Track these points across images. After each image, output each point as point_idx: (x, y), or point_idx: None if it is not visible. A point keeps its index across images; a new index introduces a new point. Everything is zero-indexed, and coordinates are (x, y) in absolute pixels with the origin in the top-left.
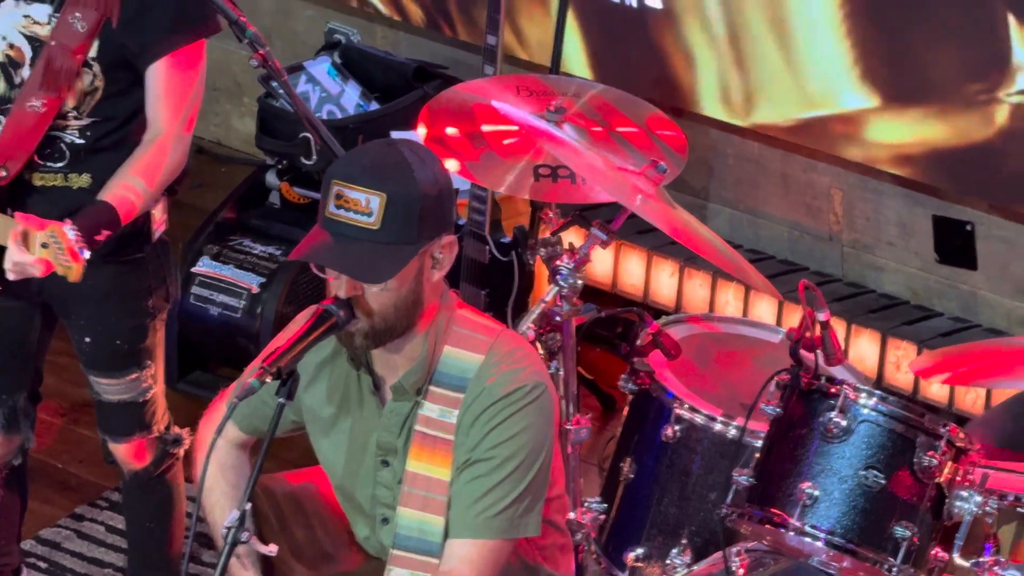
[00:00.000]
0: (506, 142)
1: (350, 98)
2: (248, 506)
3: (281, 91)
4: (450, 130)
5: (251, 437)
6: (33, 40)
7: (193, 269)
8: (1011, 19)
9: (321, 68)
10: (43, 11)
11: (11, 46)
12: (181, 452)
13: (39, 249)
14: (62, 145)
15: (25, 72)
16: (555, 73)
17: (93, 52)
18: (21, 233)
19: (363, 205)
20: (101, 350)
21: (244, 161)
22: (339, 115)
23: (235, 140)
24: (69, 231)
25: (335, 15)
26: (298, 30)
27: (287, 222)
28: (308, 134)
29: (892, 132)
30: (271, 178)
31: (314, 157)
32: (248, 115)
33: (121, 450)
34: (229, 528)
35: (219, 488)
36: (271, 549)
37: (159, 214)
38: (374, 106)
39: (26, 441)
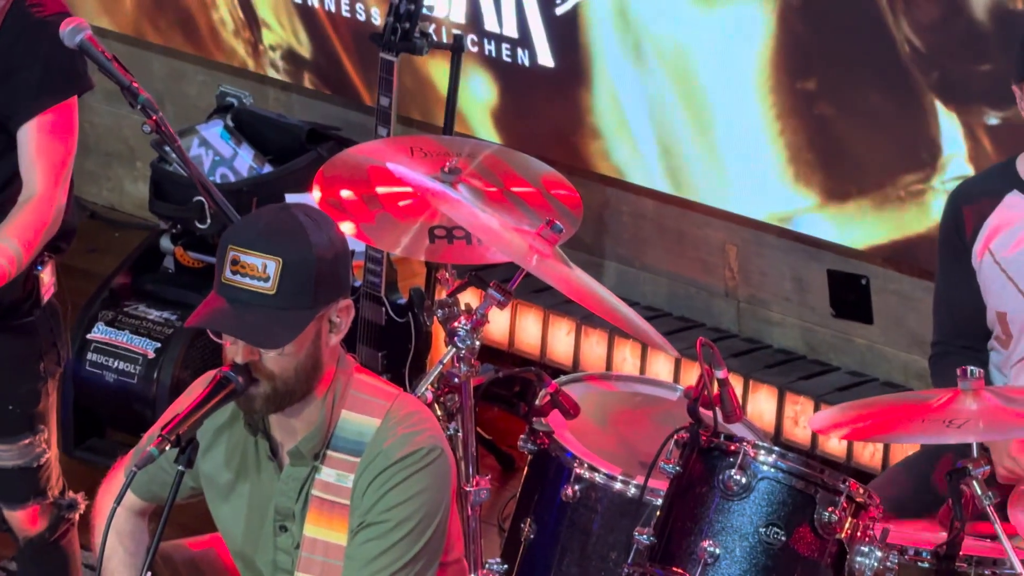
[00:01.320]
0: (401, 204)
1: (243, 161)
2: (148, 575)
3: (174, 156)
4: (345, 192)
5: (149, 504)
6: None
7: (88, 335)
8: (938, 105)
9: (214, 131)
10: None
11: None
12: (76, 517)
13: None
14: None
15: None
16: (449, 133)
17: None
18: None
19: (259, 270)
20: None
21: (138, 226)
22: (232, 178)
23: (128, 205)
24: None
25: (227, 78)
26: (190, 93)
27: (182, 286)
28: (202, 198)
29: (828, 230)
30: (165, 243)
31: (208, 221)
32: (141, 179)
33: (17, 517)
34: None
35: (117, 556)
36: None
37: (47, 277)
38: (267, 169)
39: None
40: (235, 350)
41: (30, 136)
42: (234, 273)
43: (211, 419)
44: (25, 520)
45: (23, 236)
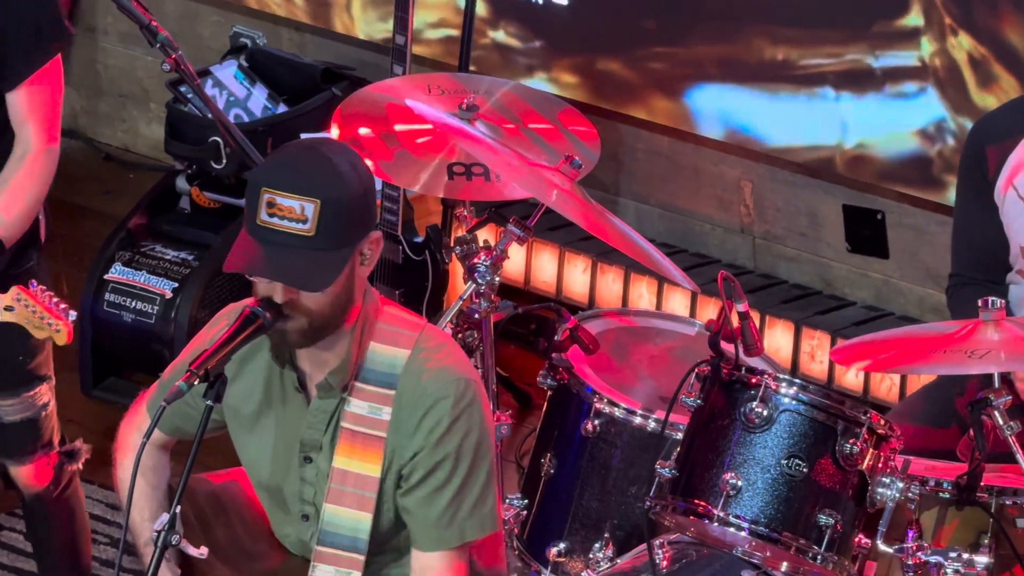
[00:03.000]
0: (419, 141)
1: (257, 101)
2: (178, 509)
3: (191, 95)
4: (363, 130)
5: (172, 438)
6: None
7: (105, 276)
8: None
9: (228, 72)
10: None
11: None
12: (77, 466)
13: (2, 312)
14: None
15: None
16: (465, 71)
17: None
18: None
19: (297, 212)
20: (3, 368)
21: (153, 167)
22: (246, 119)
23: (143, 146)
24: (38, 291)
25: (240, 19)
26: (204, 35)
27: (199, 226)
28: (218, 138)
29: None
30: (181, 183)
31: (224, 161)
32: (156, 121)
33: (23, 472)
34: (159, 531)
35: (139, 489)
36: (201, 552)
37: (43, 219)
38: (282, 108)
39: None
40: (271, 288)
41: (21, 96)
42: (271, 216)
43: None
44: (32, 475)
45: (13, 205)
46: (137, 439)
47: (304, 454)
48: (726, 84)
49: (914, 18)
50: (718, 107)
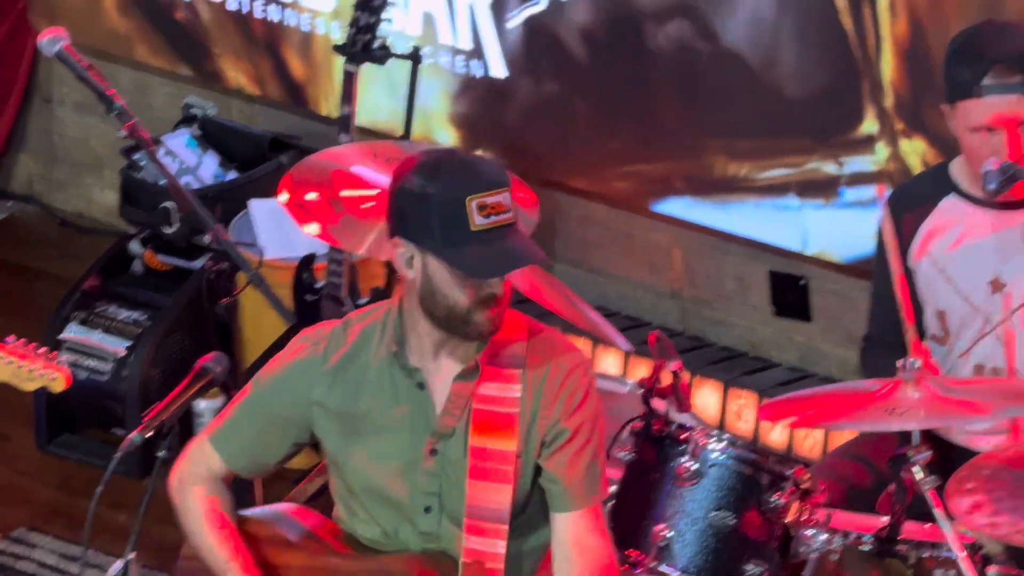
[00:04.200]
0: (364, 206)
1: (208, 168)
2: (132, 555)
3: (144, 162)
4: (310, 195)
5: (232, 472)
6: None
7: (60, 336)
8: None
9: (179, 140)
10: None
11: None
12: None
13: None
14: None
15: None
16: (407, 139)
17: None
18: None
19: (505, 204)
20: None
21: (106, 232)
22: (196, 185)
23: (97, 212)
24: (18, 345)
25: (192, 90)
26: (155, 105)
27: (151, 288)
28: (170, 203)
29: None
30: (134, 246)
31: (176, 224)
32: (109, 187)
33: None
34: None
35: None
36: None
37: None
38: (232, 175)
39: None
40: (495, 285)
41: None
42: (486, 217)
43: (354, 347)
44: None
45: None
46: (190, 470)
47: (432, 447)
48: (691, 197)
49: (869, 125)
50: (683, 215)
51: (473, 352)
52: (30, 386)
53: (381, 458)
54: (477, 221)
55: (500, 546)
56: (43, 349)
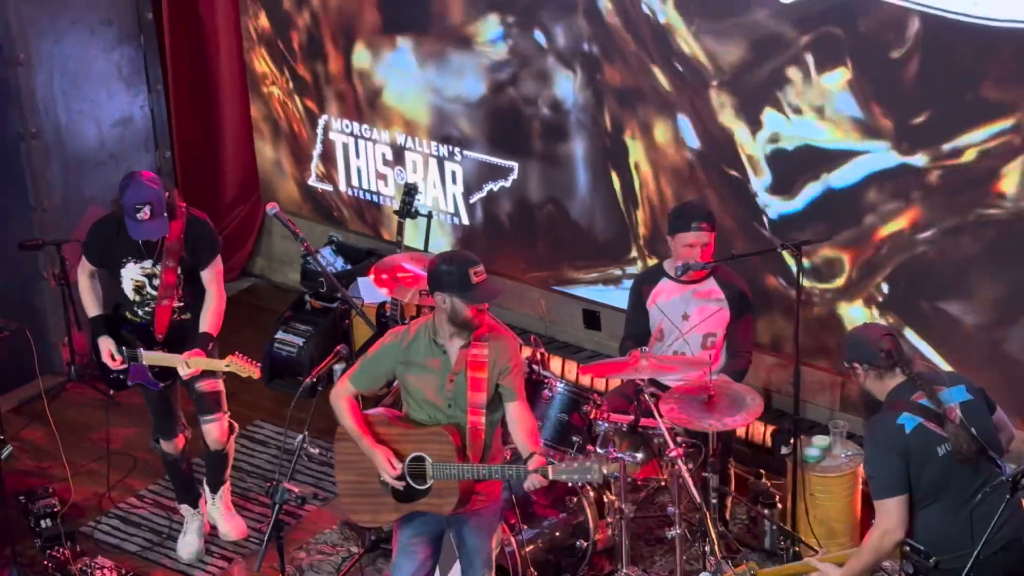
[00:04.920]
0: (407, 279)
1: (338, 263)
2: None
3: (312, 263)
4: (383, 275)
5: (364, 391)
6: (152, 276)
7: (275, 336)
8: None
9: (327, 251)
10: (149, 263)
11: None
12: (236, 428)
13: (224, 367)
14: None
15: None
16: (426, 251)
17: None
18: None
19: (483, 271)
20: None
21: (294, 291)
22: (332, 271)
23: (291, 282)
24: (238, 355)
25: (332, 228)
26: (316, 238)
27: (314, 315)
28: (323, 279)
29: None
30: (306, 297)
31: (325, 289)
32: (295, 271)
33: (211, 429)
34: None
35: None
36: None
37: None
38: (348, 267)
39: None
40: (481, 307)
41: (208, 273)
42: (477, 276)
43: (406, 340)
44: (216, 431)
45: (215, 320)
46: (339, 391)
47: (451, 378)
48: (554, 284)
49: (634, 251)
50: (550, 286)
51: (467, 336)
52: (244, 374)
53: (427, 384)
54: (473, 280)
55: (482, 419)
56: (246, 356)
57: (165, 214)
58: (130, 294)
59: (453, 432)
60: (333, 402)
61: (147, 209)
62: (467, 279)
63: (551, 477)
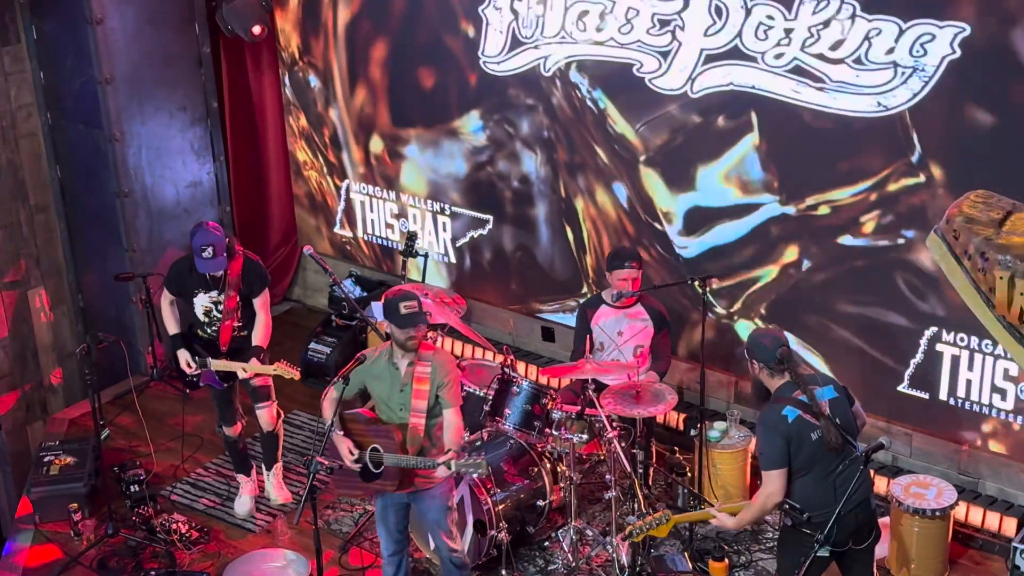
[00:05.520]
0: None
1: (357, 291)
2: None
3: (339, 290)
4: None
5: (351, 398)
6: (217, 303)
7: (308, 347)
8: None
9: (347, 282)
10: (215, 293)
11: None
12: (282, 418)
13: (272, 371)
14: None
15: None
16: (423, 282)
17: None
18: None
19: (416, 306)
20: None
21: (323, 312)
22: (353, 297)
23: (319, 306)
24: (283, 362)
25: (351, 265)
26: (340, 272)
27: (338, 331)
28: (345, 303)
29: None
30: (333, 317)
31: (347, 310)
32: (324, 297)
33: (264, 415)
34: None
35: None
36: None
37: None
38: (364, 294)
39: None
40: (413, 331)
41: (258, 300)
42: (408, 307)
43: (369, 363)
44: (267, 415)
45: (265, 334)
46: (329, 395)
47: (400, 388)
48: (519, 314)
49: (586, 287)
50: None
51: (411, 356)
52: (287, 376)
53: (384, 392)
54: (402, 311)
55: (422, 422)
56: (287, 363)
57: (224, 254)
58: (201, 317)
59: (397, 431)
60: (323, 401)
61: (210, 250)
62: (397, 310)
63: (452, 469)
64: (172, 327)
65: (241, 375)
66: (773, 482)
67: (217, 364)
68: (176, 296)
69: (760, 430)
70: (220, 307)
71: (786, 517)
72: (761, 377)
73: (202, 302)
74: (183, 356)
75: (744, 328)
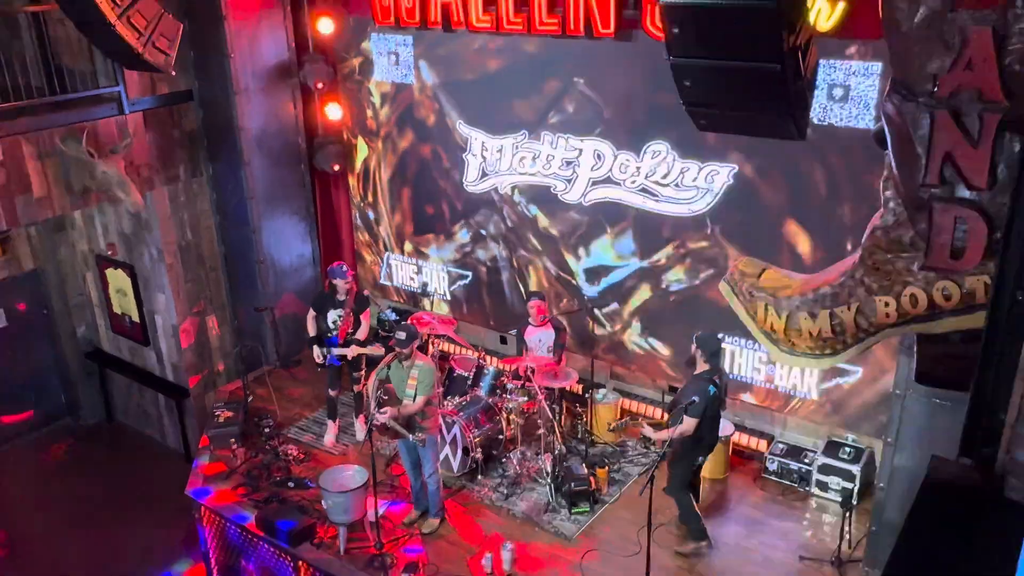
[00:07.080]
0: (424, 323)
1: (392, 316)
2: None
3: (382, 315)
4: (415, 322)
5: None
6: (340, 316)
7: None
8: None
9: (388, 311)
10: (340, 310)
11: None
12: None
13: (367, 350)
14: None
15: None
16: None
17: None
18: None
19: (402, 339)
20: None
21: (373, 328)
22: (389, 319)
23: (372, 324)
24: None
25: (390, 300)
26: (382, 306)
27: (382, 339)
28: (387, 323)
29: None
30: (379, 331)
31: (387, 328)
32: (374, 319)
33: (359, 378)
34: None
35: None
36: (384, 412)
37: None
38: (396, 318)
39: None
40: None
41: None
42: (403, 330)
43: (393, 362)
44: (361, 383)
45: (364, 333)
46: (375, 376)
47: (405, 380)
48: (495, 332)
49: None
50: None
51: (410, 362)
52: (375, 354)
53: (396, 381)
54: (398, 337)
55: (411, 401)
56: (377, 346)
57: (350, 271)
58: (329, 324)
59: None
60: (369, 381)
61: (344, 265)
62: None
63: (384, 420)
64: (311, 331)
65: (350, 356)
66: (691, 424)
67: (336, 351)
68: (317, 312)
69: (695, 391)
70: (341, 318)
71: (680, 444)
72: (697, 358)
73: (331, 316)
74: (317, 350)
75: (632, 339)
